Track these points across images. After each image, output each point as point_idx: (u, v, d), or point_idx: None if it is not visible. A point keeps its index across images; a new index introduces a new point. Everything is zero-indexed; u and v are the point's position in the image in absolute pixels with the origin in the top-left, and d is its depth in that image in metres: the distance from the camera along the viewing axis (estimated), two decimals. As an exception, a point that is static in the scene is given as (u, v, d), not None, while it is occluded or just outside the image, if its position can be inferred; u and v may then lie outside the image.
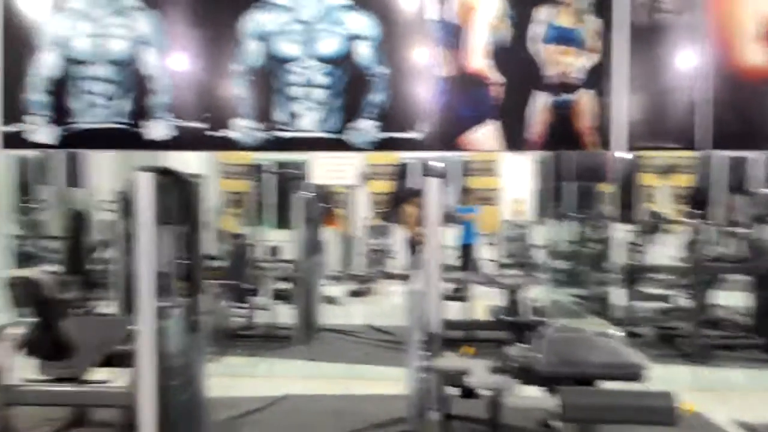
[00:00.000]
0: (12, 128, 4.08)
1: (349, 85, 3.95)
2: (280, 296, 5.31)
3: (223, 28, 4.00)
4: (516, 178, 10.65)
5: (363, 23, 3.94)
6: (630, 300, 5.53)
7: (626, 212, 7.44)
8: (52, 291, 2.68)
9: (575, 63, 3.70)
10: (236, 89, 3.98)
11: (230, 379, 3.93)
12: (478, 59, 3.89)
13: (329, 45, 3.96)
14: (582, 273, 7.64)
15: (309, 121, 3.98)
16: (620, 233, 6.57)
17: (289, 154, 6.98)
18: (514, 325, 4.24)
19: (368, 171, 11.30)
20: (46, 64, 4.07)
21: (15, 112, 4.07)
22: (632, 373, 2.33)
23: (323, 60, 3.97)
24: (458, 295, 5.30)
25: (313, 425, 3.15)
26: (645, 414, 2.05)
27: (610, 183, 7.34)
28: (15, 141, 4.14)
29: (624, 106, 3.61)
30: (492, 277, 5.78)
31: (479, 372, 2.29)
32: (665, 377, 3.63)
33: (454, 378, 2.49)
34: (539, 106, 3.76)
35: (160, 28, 4.02)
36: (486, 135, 3.90)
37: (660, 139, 3.73)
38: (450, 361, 2.47)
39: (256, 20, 3.97)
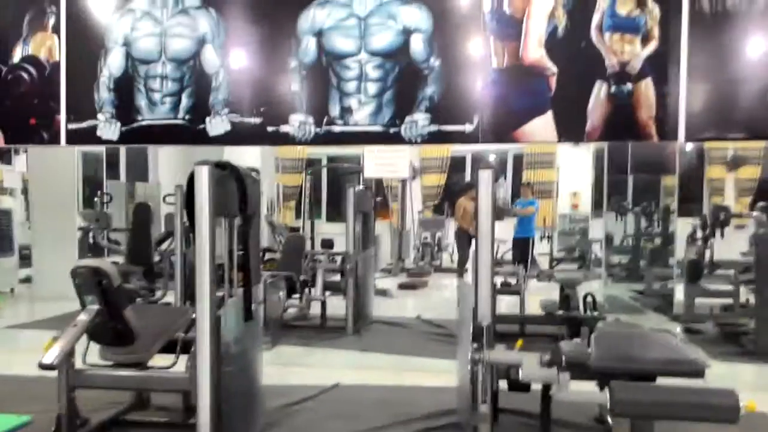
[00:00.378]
0: (79, 125, 4.29)
1: (402, 79, 3.96)
2: (333, 288, 5.39)
3: (280, 25, 4.08)
4: (573, 171, 10.43)
5: (416, 16, 3.94)
6: (692, 296, 5.34)
7: (690, 205, 7.18)
8: (116, 279, 2.80)
9: (635, 51, 3.59)
10: (291, 85, 4.05)
11: (284, 368, 4.02)
12: (534, 50, 3.82)
13: (383, 39, 3.98)
14: (642, 268, 7.43)
15: (362, 115, 4.01)
16: (683, 227, 6.34)
17: (342, 147, 7.05)
18: (568, 319, 4.17)
19: (421, 164, 11.30)
20: (111, 64, 4.25)
21: (82, 109, 4.28)
22: (692, 370, 2.25)
23: (377, 54, 3.99)
24: (512, 289, 5.25)
25: (364, 414, 3.18)
26: (705, 411, 1.98)
27: (672, 175, 7.09)
28: (82, 137, 4.36)
29: (686, 95, 3.48)
30: (546, 271, 5.70)
31: (530, 365, 2.27)
32: (728, 375, 3.50)
33: (504, 370, 2.48)
34: (597, 96, 3.67)
35: (219, 26, 4.13)
36: (541, 126, 3.84)
37: (725, 128, 3.59)
38: (500, 353, 2.46)
39: (312, 16, 4.03)
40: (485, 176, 2.78)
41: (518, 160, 11.20)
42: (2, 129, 4.44)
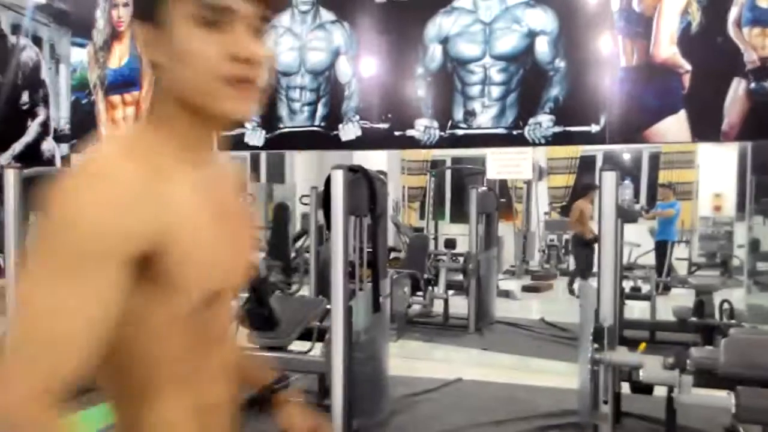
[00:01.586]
0: (230, 132, 4.78)
1: (526, 81, 4.01)
2: (455, 287, 5.51)
3: (408, 34, 4.29)
4: (715, 170, 9.74)
5: (542, 18, 3.98)
6: None
7: None
8: (263, 271, 3.15)
9: (779, 45, 3.39)
10: (417, 91, 4.25)
11: (408, 360, 4.22)
12: (666, 47, 3.73)
13: (508, 43, 4.06)
14: (793, 277, 6.81)
15: (485, 118, 4.12)
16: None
17: (466, 150, 7.17)
18: (701, 327, 3.99)
19: (548, 165, 11.09)
20: (257, 76, 4.70)
21: (233, 118, 4.77)
22: (834, 383, 2.14)
23: (501, 58, 4.08)
24: (642, 294, 5.08)
25: (485, 408, 3.29)
26: None
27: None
28: (232, 143, 4.86)
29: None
30: (682, 277, 5.45)
31: (651, 367, 2.27)
32: None
33: (627, 373, 2.49)
34: (735, 94, 3.51)
35: (352, 38, 4.43)
36: (673, 126, 3.73)
37: None
38: (621, 354, 2.47)
39: (438, 24, 4.21)
40: (608, 178, 2.79)
41: (654, 159, 10.64)
42: (165, 137, 5.07)
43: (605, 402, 2.64)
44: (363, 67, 4.36)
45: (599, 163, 11.19)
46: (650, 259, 8.01)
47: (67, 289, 0.62)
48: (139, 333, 0.70)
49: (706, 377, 2.44)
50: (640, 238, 8.18)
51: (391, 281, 3.22)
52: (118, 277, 0.64)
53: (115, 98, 5.15)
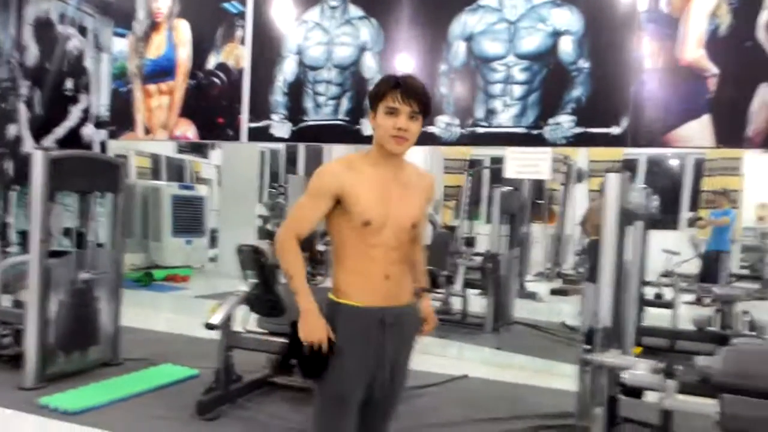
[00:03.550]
0: (257, 124, 4.91)
1: (548, 80, 3.99)
2: (473, 286, 5.49)
3: (433, 32, 4.32)
4: (762, 180, 9.40)
5: (567, 18, 3.95)
6: None
7: None
8: (272, 258, 3.23)
9: (812, 50, 3.28)
10: (440, 87, 4.27)
11: (419, 355, 4.25)
12: (693, 50, 3.65)
13: (532, 42, 4.04)
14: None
15: (506, 117, 4.11)
16: None
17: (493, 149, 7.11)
18: (716, 337, 3.88)
19: (589, 167, 10.88)
20: (286, 70, 4.80)
21: (260, 110, 4.90)
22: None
23: (525, 57, 4.07)
24: (663, 302, 4.97)
25: (485, 406, 3.30)
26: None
27: None
28: (259, 135, 4.98)
29: None
30: (706, 286, 5.31)
31: (639, 370, 2.25)
32: None
33: (614, 374, 2.46)
34: (762, 100, 3.42)
35: (379, 34, 4.48)
36: (697, 130, 3.66)
37: None
38: (611, 357, 2.44)
39: (463, 22, 4.22)
40: (612, 179, 2.76)
41: (700, 165, 10.35)
42: (196, 126, 5.24)
43: (599, 404, 2.62)
44: (388, 63, 4.41)
45: (642, 166, 10.95)
46: (693, 269, 7.70)
47: (308, 202, 1.74)
48: (342, 231, 1.73)
49: (701, 386, 2.40)
50: (679, 246, 7.92)
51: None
52: (327, 201, 1.71)
53: (152, 87, 5.35)
